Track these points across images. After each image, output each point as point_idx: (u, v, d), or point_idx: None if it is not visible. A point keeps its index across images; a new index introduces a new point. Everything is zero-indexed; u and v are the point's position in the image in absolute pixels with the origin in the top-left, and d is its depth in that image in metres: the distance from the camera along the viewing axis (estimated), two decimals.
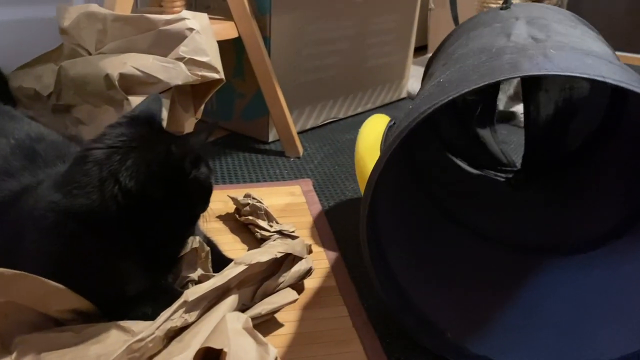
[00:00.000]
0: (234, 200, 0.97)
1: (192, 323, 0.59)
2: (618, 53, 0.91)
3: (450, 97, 0.56)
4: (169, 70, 0.85)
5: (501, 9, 0.92)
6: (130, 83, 0.84)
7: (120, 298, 0.63)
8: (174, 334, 0.58)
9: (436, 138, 1.12)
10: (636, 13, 2.59)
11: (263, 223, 0.90)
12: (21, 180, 0.68)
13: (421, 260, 0.81)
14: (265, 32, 1.24)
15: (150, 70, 0.84)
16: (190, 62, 0.87)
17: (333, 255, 0.90)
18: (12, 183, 0.68)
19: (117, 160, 0.59)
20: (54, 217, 0.59)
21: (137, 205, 0.60)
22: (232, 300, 0.63)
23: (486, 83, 0.55)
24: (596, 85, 0.98)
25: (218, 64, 0.90)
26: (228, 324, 0.56)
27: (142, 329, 0.57)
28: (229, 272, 0.64)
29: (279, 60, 1.28)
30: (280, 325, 0.73)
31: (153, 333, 0.55)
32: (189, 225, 0.69)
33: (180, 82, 0.86)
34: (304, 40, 1.34)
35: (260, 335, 0.56)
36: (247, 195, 0.97)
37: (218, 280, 0.62)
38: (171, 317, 0.57)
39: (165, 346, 0.56)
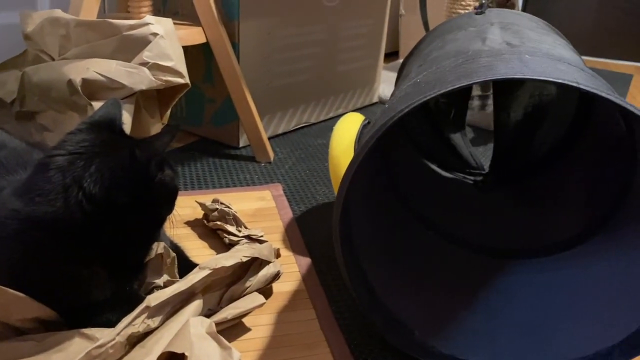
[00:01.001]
0: (202, 205, 0.97)
1: (155, 329, 0.58)
2: (582, 58, 0.93)
3: (427, 97, 0.57)
4: (133, 75, 0.84)
5: (476, 13, 0.93)
6: (93, 88, 0.83)
7: (84, 305, 0.63)
8: (136, 340, 0.57)
9: (409, 140, 1.13)
10: (600, 18, 2.66)
11: (231, 228, 0.90)
12: None
13: (391, 259, 0.81)
14: (233, 37, 1.24)
15: (113, 75, 0.83)
16: (155, 67, 0.86)
17: (302, 259, 0.91)
18: None
19: (81, 166, 0.59)
20: (15, 225, 0.58)
21: (103, 211, 0.59)
22: (196, 305, 0.63)
23: (463, 85, 0.56)
24: (564, 93, 1.01)
25: (183, 69, 0.90)
26: (191, 328, 0.56)
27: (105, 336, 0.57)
28: (193, 277, 0.63)
29: (248, 66, 1.28)
30: (248, 329, 0.73)
31: (113, 339, 0.54)
32: (155, 229, 0.69)
33: (144, 87, 0.85)
34: (273, 46, 1.35)
35: (223, 340, 0.56)
36: (215, 201, 0.96)
37: (181, 285, 0.62)
38: (133, 322, 0.57)
39: (127, 352, 0.56)
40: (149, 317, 0.58)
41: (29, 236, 0.58)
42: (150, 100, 0.94)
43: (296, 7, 1.38)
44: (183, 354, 0.55)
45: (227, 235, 0.90)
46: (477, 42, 0.74)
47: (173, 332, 0.57)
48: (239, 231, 0.90)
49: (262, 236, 0.88)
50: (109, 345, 0.54)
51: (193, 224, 0.97)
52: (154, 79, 0.86)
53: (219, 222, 0.92)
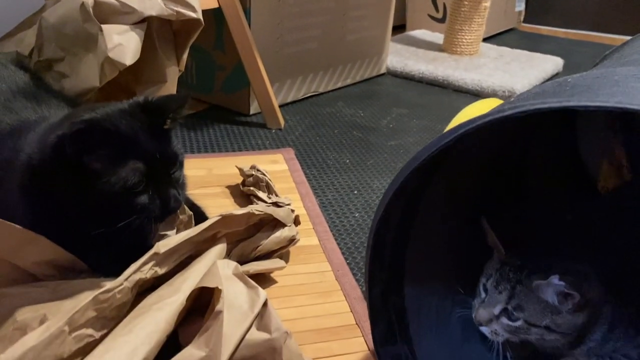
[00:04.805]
0: (240, 170, 0.97)
1: (162, 275, 0.59)
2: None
3: (498, 116, 0.45)
4: (144, 1, 0.84)
5: None
6: (104, 12, 0.83)
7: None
8: (145, 285, 0.58)
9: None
10: None
11: (262, 194, 0.90)
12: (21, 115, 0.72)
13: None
14: (245, 3, 1.23)
15: None
16: None
17: (316, 217, 0.92)
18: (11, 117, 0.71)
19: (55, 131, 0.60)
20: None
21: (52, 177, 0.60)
22: (219, 248, 0.64)
23: (529, 109, 0.43)
24: None
25: (195, 2, 0.89)
26: (220, 269, 0.57)
27: None
28: (201, 225, 0.64)
29: (259, 32, 1.28)
30: (267, 279, 0.75)
31: (121, 284, 0.54)
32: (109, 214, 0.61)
33: (154, 14, 0.84)
34: (284, 12, 1.35)
35: (250, 280, 0.56)
36: (252, 167, 0.97)
37: (190, 232, 0.62)
38: (141, 268, 0.57)
39: (134, 296, 0.56)
40: (156, 264, 0.58)
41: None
42: (166, 41, 0.93)
43: None
44: (210, 296, 0.56)
45: (257, 201, 0.90)
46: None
47: (200, 272, 0.58)
48: (269, 198, 0.89)
49: (289, 204, 0.85)
50: (117, 290, 0.54)
51: (232, 189, 0.98)
52: (165, 7, 0.85)
53: (252, 188, 0.93)
